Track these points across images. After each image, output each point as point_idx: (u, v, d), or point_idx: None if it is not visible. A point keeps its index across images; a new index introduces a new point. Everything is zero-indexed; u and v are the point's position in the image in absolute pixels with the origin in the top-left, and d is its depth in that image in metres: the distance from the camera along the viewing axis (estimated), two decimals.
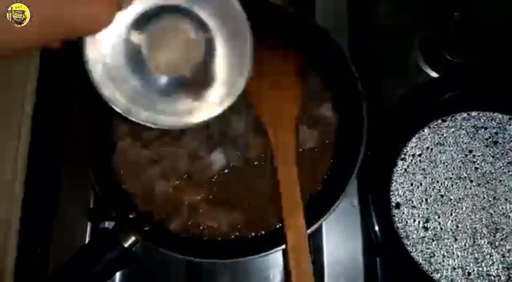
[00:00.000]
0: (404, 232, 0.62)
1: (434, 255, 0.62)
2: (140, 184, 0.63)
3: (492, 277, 0.61)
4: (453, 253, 0.62)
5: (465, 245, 0.62)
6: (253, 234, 0.62)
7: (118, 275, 0.63)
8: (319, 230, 0.63)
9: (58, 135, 0.70)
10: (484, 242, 0.62)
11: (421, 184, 0.64)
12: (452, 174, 0.64)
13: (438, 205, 0.63)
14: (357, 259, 0.63)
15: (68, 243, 0.65)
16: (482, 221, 0.63)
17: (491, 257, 0.62)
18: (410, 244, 0.62)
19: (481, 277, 0.61)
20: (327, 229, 0.64)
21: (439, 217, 0.63)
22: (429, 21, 0.72)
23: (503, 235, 0.62)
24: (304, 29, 0.64)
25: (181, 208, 0.62)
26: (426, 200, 0.63)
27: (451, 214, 0.63)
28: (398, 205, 0.63)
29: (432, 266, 0.61)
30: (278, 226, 0.61)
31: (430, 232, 0.62)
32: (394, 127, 0.65)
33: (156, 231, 0.61)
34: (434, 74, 0.70)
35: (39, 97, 0.68)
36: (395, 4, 0.75)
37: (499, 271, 0.61)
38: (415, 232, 0.62)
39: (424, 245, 0.62)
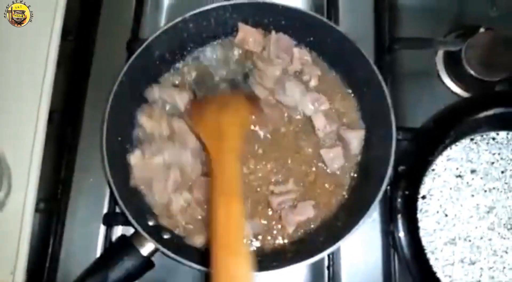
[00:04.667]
0: None
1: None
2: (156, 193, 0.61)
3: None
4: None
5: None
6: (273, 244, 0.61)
7: None
8: None
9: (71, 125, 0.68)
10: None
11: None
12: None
13: None
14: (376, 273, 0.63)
15: (80, 246, 0.63)
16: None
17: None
18: None
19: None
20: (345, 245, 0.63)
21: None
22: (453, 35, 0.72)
23: None
24: (334, 40, 0.64)
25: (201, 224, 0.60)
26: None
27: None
28: None
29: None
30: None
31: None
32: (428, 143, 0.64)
33: (176, 240, 0.60)
34: (457, 90, 0.69)
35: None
36: (419, 15, 0.74)
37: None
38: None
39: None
